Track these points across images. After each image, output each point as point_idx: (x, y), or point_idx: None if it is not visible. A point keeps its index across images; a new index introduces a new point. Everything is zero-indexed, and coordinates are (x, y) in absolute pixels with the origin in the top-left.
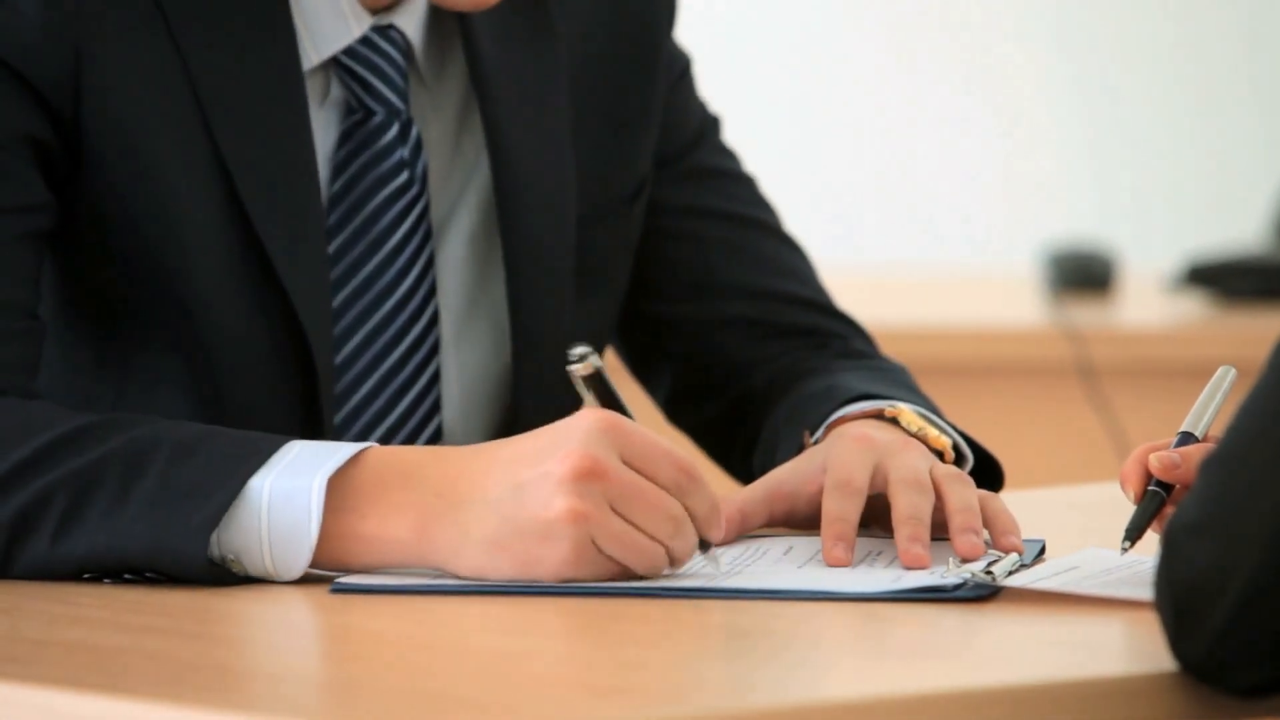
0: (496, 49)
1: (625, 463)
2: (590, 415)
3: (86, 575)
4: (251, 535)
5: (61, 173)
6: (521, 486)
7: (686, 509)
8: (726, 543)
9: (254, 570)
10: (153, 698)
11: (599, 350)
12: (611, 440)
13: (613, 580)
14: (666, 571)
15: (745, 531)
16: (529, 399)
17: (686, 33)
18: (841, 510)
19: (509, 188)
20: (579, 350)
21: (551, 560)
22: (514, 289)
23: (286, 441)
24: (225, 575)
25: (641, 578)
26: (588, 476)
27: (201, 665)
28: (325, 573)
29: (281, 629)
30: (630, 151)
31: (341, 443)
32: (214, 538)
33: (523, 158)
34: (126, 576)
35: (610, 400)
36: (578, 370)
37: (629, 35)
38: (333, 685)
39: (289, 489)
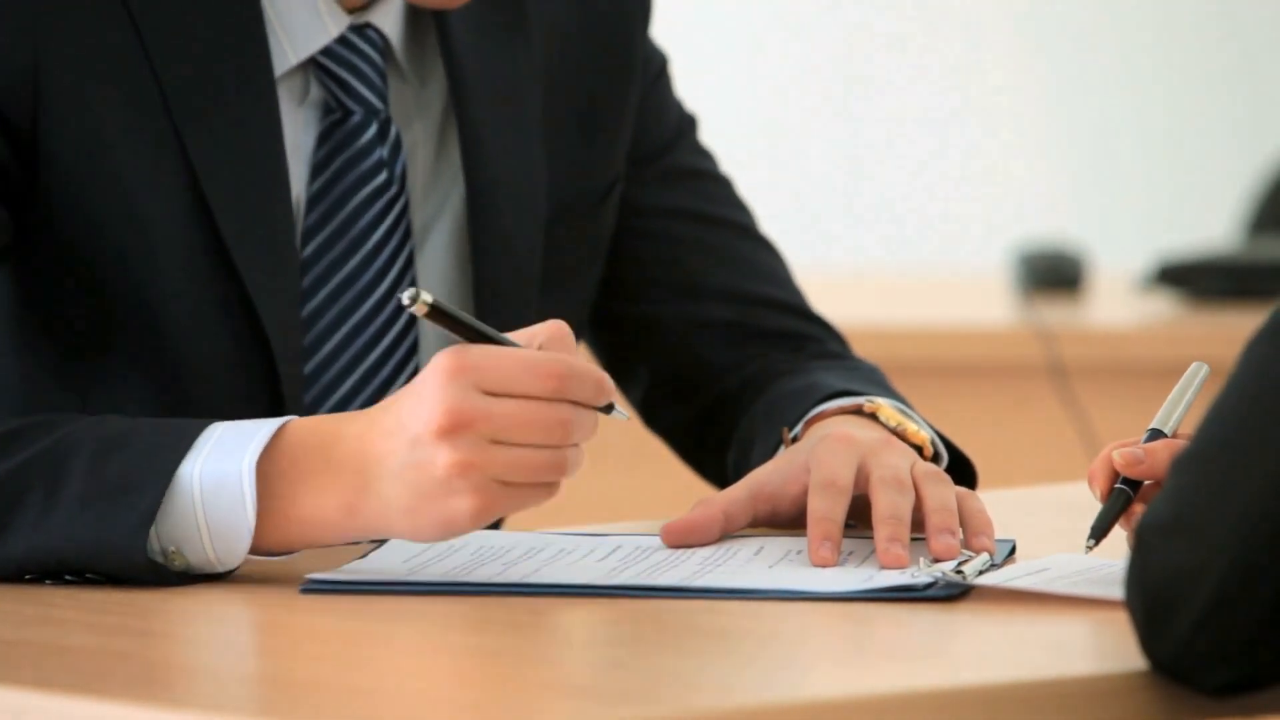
0: (472, 45)
1: (490, 393)
2: (437, 363)
3: (28, 577)
4: (189, 525)
5: (16, 188)
6: (409, 451)
7: (572, 403)
8: (710, 544)
9: (195, 560)
10: (124, 698)
11: None
12: (465, 380)
13: (543, 499)
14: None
15: (729, 532)
16: None
17: (661, 32)
18: (828, 509)
19: (481, 185)
20: (406, 294)
21: (464, 512)
22: (480, 288)
23: (209, 424)
24: (166, 573)
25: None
26: (456, 429)
27: (173, 666)
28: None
29: (253, 629)
30: (601, 153)
31: (261, 420)
32: (152, 531)
33: (495, 155)
34: (67, 578)
35: (461, 328)
36: (415, 312)
37: (602, 36)
38: (303, 685)
39: (219, 473)
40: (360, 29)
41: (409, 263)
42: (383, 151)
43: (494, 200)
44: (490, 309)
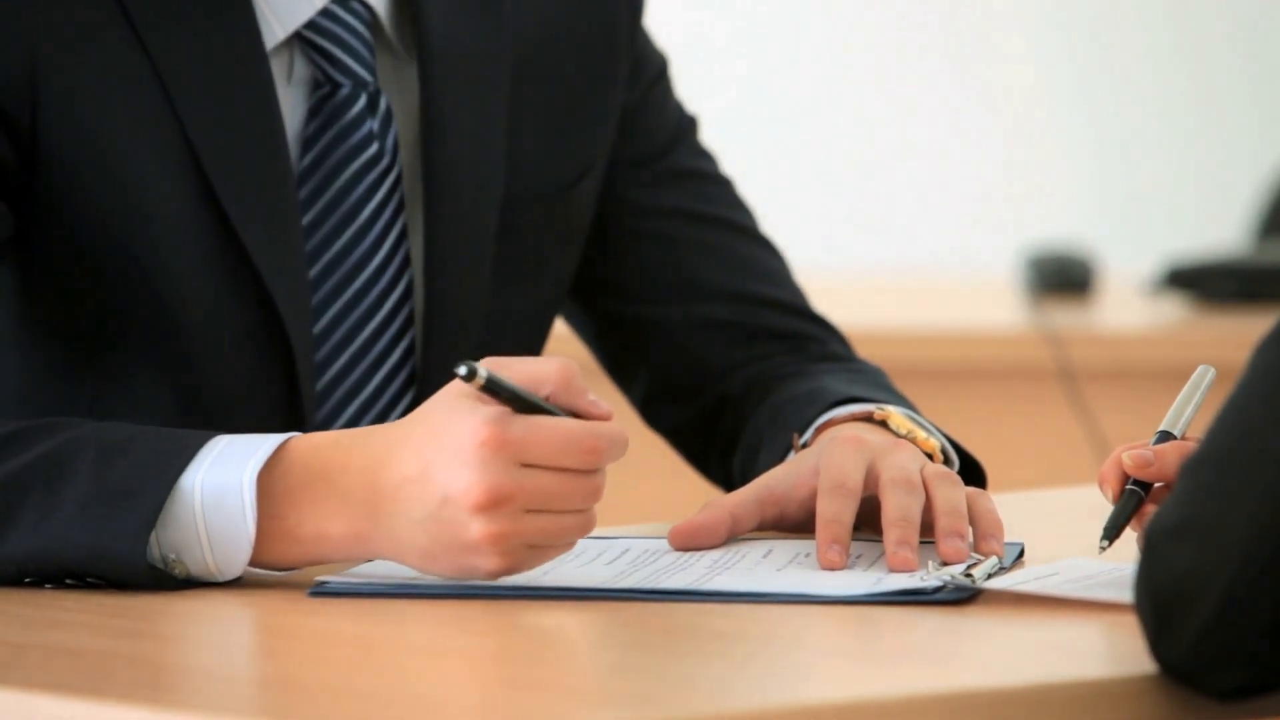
0: (445, 23)
1: (529, 465)
2: (478, 433)
3: (27, 580)
4: (190, 533)
5: (16, 182)
6: (438, 509)
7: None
8: (717, 546)
9: (196, 569)
10: (131, 701)
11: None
12: (507, 456)
13: (562, 554)
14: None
15: (737, 534)
16: (436, 383)
17: (665, 31)
18: (836, 512)
19: (437, 161)
20: (463, 369)
21: (486, 570)
22: (429, 265)
23: (212, 436)
24: (166, 579)
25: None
26: (494, 504)
27: (180, 668)
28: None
29: (261, 632)
30: (573, 143)
31: (265, 435)
32: (153, 538)
33: (455, 132)
34: (68, 581)
35: (510, 399)
36: (472, 387)
37: (586, 27)
38: (311, 688)
39: (220, 484)
40: (345, 2)
41: (403, 235)
42: (373, 124)
43: (449, 178)
44: (440, 289)
